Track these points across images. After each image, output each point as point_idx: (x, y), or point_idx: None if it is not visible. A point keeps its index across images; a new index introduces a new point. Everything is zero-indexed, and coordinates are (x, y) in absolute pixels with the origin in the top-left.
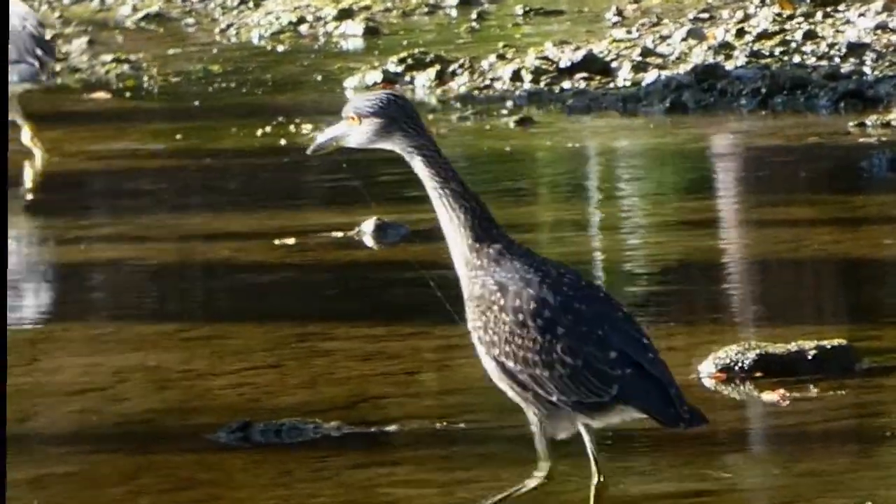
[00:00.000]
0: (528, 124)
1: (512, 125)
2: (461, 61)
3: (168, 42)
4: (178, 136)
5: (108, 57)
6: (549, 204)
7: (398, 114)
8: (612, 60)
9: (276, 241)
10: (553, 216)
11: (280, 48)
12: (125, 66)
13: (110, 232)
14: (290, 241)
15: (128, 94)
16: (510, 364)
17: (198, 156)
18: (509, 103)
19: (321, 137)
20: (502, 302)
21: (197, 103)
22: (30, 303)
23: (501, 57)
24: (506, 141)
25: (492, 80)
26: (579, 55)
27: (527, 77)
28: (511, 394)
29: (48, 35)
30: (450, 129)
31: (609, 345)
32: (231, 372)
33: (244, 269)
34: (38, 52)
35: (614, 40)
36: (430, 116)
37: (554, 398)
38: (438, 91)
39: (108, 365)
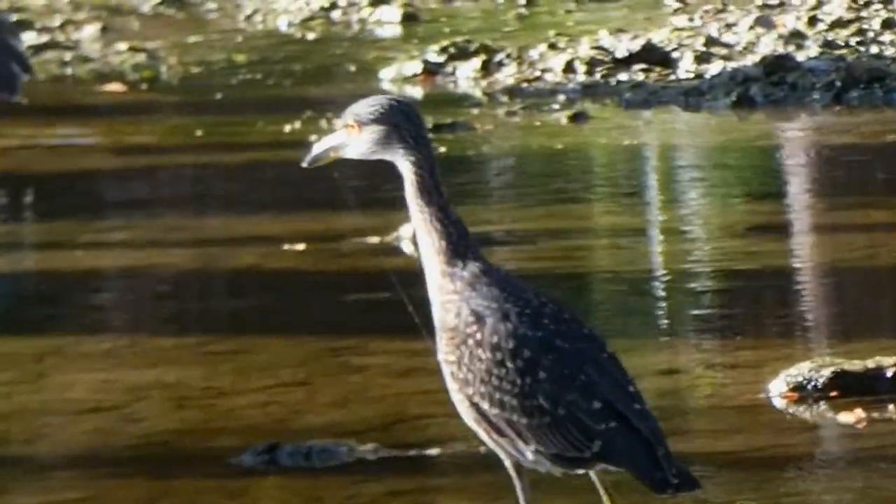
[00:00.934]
0: (581, 120)
1: (564, 121)
2: (508, 51)
3: (188, 29)
4: (199, 133)
5: (122, 45)
6: (603, 207)
7: (401, 121)
8: (673, 50)
9: (306, 247)
10: (608, 220)
11: (310, 36)
12: (141, 56)
13: (124, 236)
14: (322, 246)
15: (144, 87)
16: (485, 406)
17: (220, 154)
18: (561, 97)
19: (317, 147)
20: (479, 336)
21: (220, 96)
22: (37, 313)
23: (552, 46)
24: (557, 138)
25: (542, 71)
26: (637, 44)
27: (580, 68)
28: (485, 437)
29: (22, 40)
30: (496, 125)
31: (593, 393)
32: (257, 389)
33: (271, 277)
34: (13, 67)
35: (675, 28)
36: (475, 111)
37: (531, 448)
38: (483, 83)
39: (123, 381)
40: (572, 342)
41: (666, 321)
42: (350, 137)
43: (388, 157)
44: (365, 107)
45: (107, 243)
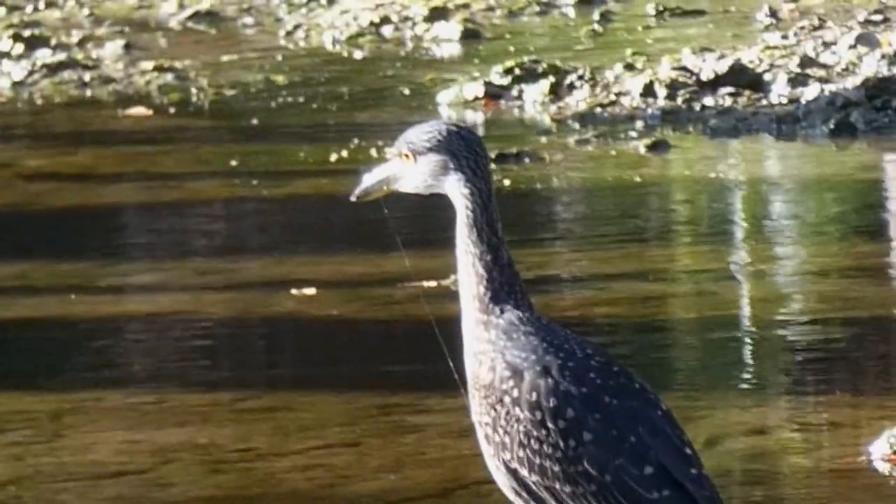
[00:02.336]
0: (661, 149)
1: (642, 150)
2: (580, 72)
3: (221, 46)
4: (234, 162)
5: (148, 64)
6: (685, 248)
7: (460, 149)
8: (765, 72)
9: (354, 292)
10: (690, 262)
11: (358, 54)
12: (169, 76)
13: (150, 279)
14: (372, 291)
15: (172, 110)
16: (524, 472)
17: (257, 186)
18: (639, 123)
19: (368, 180)
20: (516, 393)
21: (256, 121)
22: (54, 365)
23: (629, 67)
24: (635, 170)
25: (618, 94)
26: (724, 65)
27: (660, 91)
28: None
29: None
30: (566, 155)
31: (645, 456)
32: (299, 451)
33: (314, 326)
34: None
35: (767, 47)
36: (543, 139)
37: None
38: (553, 108)
39: (149, 442)
40: (622, 399)
41: (754, 375)
42: (404, 168)
43: (443, 189)
44: (420, 134)
45: (131, 287)
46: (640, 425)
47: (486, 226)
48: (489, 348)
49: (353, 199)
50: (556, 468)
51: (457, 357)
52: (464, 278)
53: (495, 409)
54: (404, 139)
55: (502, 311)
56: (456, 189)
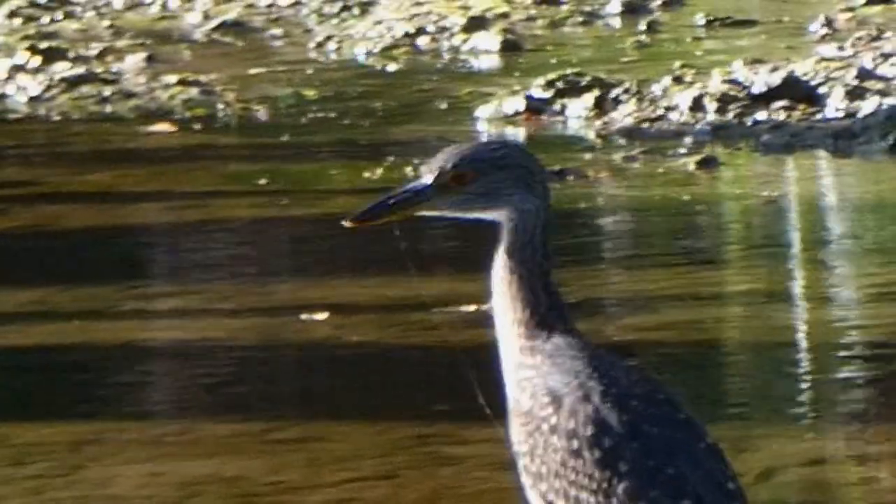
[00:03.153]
0: (712, 166)
1: (691, 167)
2: (626, 85)
3: (248, 59)
4: (263, 181)
5: (171, 78)
6: (737, 269)
7: (531, 165)
8: (820, 85)
9: (389, 317)
10: (742, 285)
11: (392, 67)
12: (194, 91)
13: (175, 304)
14: (408, 316)
15: (197, 127)
16: None
17: (287, 206)
18: (688, 139)
19: (382, 204)
20: (554, 420)
21: (286, 138)
22: (73, 394)
23: (678, 80)
24: (684, 188)
25: (665, 109)
26: (777, 78)
27: (710, 106)
28: None
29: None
30: (611, 172)
31: (682, 489)
32: (332, 484)
33: (347, 352)
34: None
35: (822, 59)
36: (587, 156)
37: None
38: (597, 123)
39: (175, 475)
40: (663, 428)
41: (811, 403)
42: (443, 189)
43: (497, 211)
44: (485, 151)
45: (155, 312)
46: (680, 456)
47: (540, 247)
48: (533, 374)
49: (346, 223)
50: (592, 500)
51: (488, 386)
52: (505, 303)
53: (533, 438)
54: (461, 156)
55: (549, 336)
56: (517, 205)
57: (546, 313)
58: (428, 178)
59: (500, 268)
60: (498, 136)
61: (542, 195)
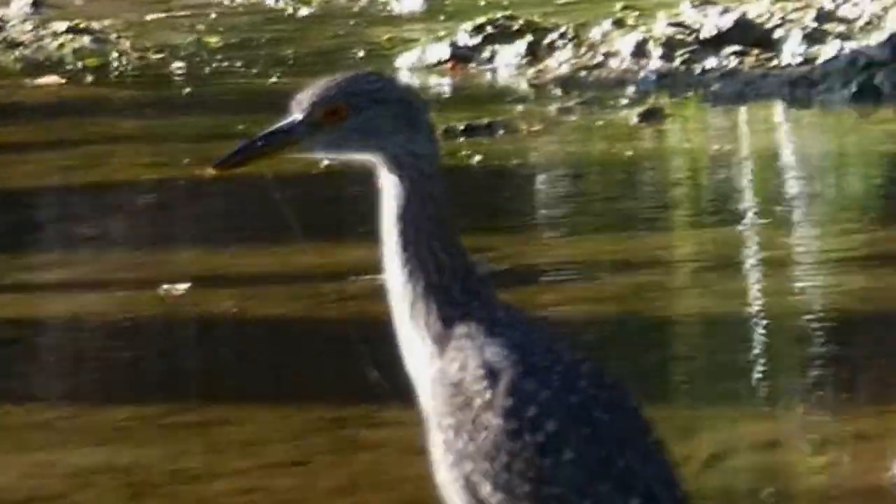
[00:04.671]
0: (656, 118)
1: (634, 120)
2: (562, 30)
3: (146, 3)
4: (161, 139)
5: (60, 25)
6: (685, 233)
7: (413, 101)
8: (776, 27)
9: (299, 287)
10: (691, 250)
11: (304, 11)
12: (85, 39)
13: (64, 275)
14: (320, 286)
15: (89, 79)
16: (486, 490)
17: (188, 165)
18: (630, 89)
19: (249, 145)
20: (488, 395)
21: (188, 91)
22: None
23: (619, 23)
24: (625, 143)
25: (605, 55)
26: (729, 20)
27: (655, 52)
28: None
29: None
30: (546, 126)
31: (632, 486)
32: (238, 472)
33: (256, 327)
34: None
35: (777, 0)
36: (519, 108)
37: None
38: (530, 72)
39: (64, 464)
40: (613, 414)
41: (764, 381)
42: (318, 128)
43: (379, 153)
44: (362, 83)
45: (41, 283)
46: (631, 449)
47: (439, 200)
48: (465, 344)
49: (213, 170)
50: (527, 488)
51: (392, 362)
52: (407, 268)
53: (462, 412)
54: (333, 90)
55: (475, 303)
56: (405, 151)
57: (467, 276)
58: (298, 115)
59: (393, 226)
60: (375, 70)
61: (429, 137)
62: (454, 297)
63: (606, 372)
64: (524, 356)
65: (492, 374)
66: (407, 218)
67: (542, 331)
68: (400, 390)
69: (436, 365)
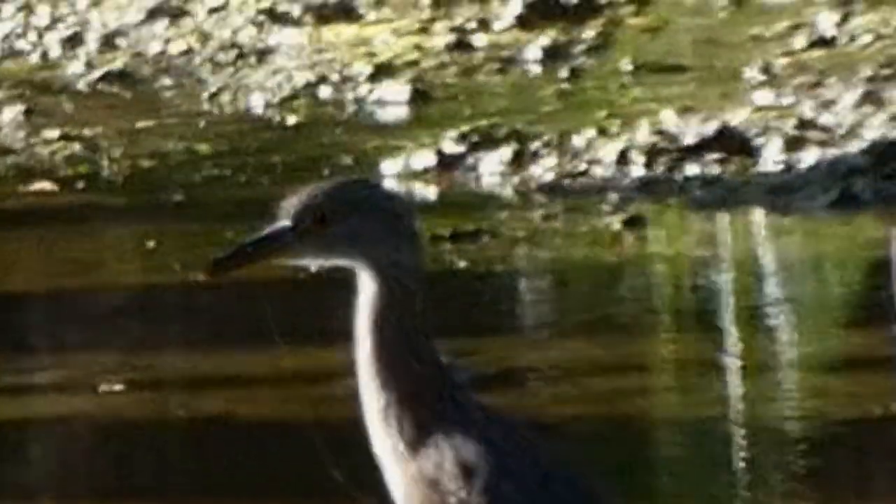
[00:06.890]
0: (639, 225)
1: (616, 226)
2: (546, 138)
3: (136, 112)
4: (151, 244)
5: (53, 133)
6: (666, 337)
7: (402, 211)
8: (757, 135)
9: (290, 389)
10: (671, 355)
11: (292, 119)
12: (76, 146)
13: (56, 377)
14: (317, 387)
15: (81, 185)
16: None
17: (178, 271)
18: (613, 196)
19: (238, 252)
20: (463, 494)
21: (178, 198)
22: None
23: (602, 131)
24: (607, 249)
25: (589, 163)
26: (710, 128)
27: (638, 159)
28: None
29: None
30: (530, 233)
31: None
32: None
33: (246, 428)
34: None
35: (758, 108)
36: (503, 214)
37: None
38: (515, 179)
39: None
40: None
41: (746, 482)
42: (303, 236)
43: (361, 260)
44: (346, 192)
45: (29, 387)
46: None
47: (418, 310)
48: (441, 444)
49: (204, 274)
50: None
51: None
52: (386, 375)
53: None
54: (323, 196)
55: (452, 405)
56: (390, 262)
57: (441, 385)
58: (286, 221)
59: (370, 333)
60: (362, 176)
61: (415, 247)
62: (427, 403)
63: (584, 476)
64: (501, 457)
65: (468, 474)
66: (384, 326)
67: (521, 433)
68: (373, 493)
69: (411, 467)
